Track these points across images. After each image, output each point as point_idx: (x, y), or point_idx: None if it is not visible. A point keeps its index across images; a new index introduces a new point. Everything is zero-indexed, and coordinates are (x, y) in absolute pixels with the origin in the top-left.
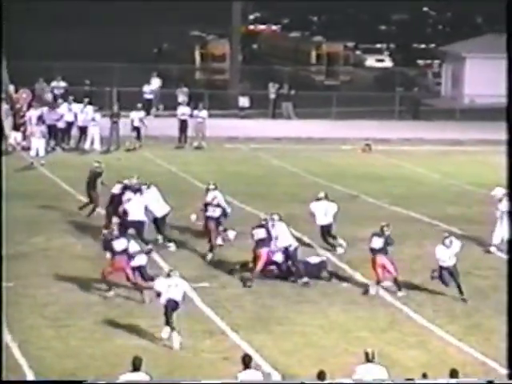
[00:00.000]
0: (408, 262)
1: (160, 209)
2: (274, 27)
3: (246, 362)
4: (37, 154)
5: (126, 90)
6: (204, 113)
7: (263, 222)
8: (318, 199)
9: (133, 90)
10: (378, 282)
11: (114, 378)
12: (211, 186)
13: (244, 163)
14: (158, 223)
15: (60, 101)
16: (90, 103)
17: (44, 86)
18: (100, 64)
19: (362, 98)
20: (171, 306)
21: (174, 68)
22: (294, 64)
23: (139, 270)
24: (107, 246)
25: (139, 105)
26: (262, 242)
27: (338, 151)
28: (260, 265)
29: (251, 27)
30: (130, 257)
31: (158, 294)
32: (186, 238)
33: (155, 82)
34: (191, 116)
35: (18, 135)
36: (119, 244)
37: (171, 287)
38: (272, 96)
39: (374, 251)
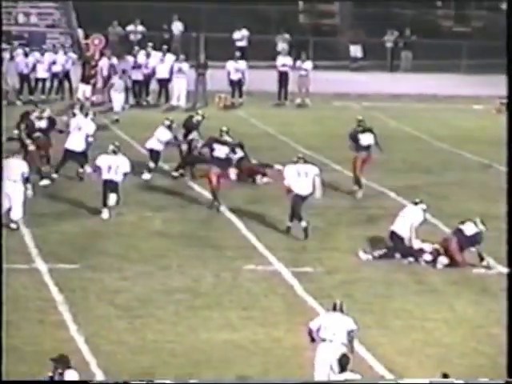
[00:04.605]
0: None
1: None
2: None
3: (343, 363)
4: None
5: (215, 36)
6: (308, 64)
7: None
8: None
9: (222, 37)
10: None
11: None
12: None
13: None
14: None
15: (137, 48)
16: (168, 51)
17: (118, 30)
18: (184, 4)
19: (498, 49)
20: (109, 187)
21: (273, 10)
22: (416, 6)
23: None
24: None
25: (238, 53)
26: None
27: (468, 111)
28: None
29: None
30: None
31: (96, 169)
32: (284, 213)
33: (176, 26)
34: (293, 68)
35: (88, 88)
36: None
37: (112, 166)
38: (389, 45)
39: None
